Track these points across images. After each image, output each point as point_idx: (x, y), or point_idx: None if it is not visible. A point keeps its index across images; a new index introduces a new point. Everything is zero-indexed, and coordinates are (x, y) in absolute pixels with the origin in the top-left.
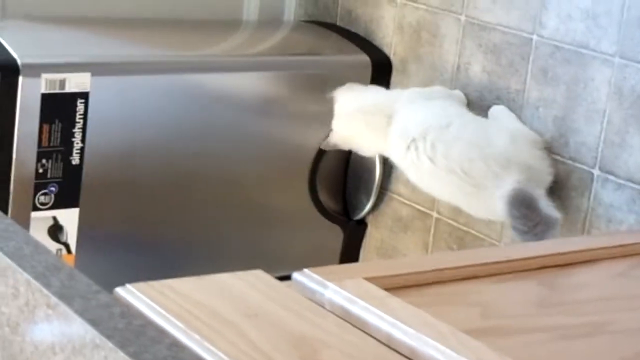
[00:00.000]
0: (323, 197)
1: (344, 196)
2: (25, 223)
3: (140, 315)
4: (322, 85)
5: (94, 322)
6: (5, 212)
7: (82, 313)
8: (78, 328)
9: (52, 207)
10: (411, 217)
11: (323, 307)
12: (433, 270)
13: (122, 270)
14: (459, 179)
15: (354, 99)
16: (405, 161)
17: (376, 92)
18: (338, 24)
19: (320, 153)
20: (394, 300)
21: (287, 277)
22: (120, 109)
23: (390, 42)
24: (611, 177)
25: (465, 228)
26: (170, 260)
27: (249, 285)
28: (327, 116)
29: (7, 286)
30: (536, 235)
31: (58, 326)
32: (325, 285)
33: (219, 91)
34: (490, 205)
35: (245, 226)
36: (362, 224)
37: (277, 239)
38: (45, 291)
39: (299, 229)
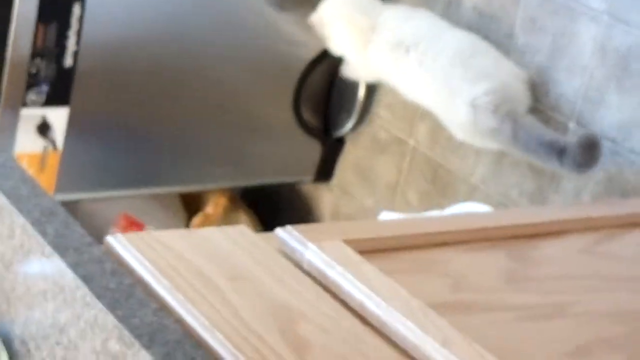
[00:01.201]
0: (306, 111)
1: (326, 113)
2: (15, 119)
3: (130, 271)
4: (316, 3)
5: (85, 279)
6: None
7: (74, 267)
8: (70, 282)
9: (43, 105)
10: (389, 141)
11: (302, 266)
12: (410, 235)
13: (108, 168)
14: (439, 83)
15: None
16: (393, 67)
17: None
18: None
19: (309, 69)
20: (369, 268)
21: (262, 187)
22: (116, 12)
23: None
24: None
25: (439, 160)
26: (154, 160)
27: (234, 244)
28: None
29: (3, 225)
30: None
31: (51, 276)
32: (306, 245)
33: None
34: (460, 111)
35: (228, 130)
36: (341, 142)
37: (258, 146)
38: (40, 239)
39: (280, 139)
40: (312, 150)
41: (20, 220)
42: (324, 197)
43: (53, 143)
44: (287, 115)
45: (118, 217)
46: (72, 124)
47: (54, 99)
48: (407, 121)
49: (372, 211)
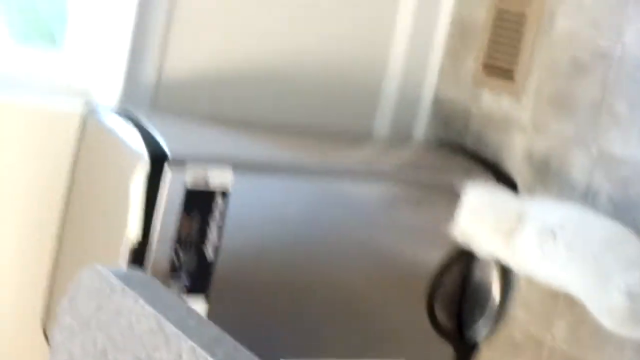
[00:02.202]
0: (439, 313)
1: (460, 315)
2: None
3: None
4: (449, 205)
5: None
6: None
7: None
8: None
9: (182, 294)
10: (525, 340)
11: None
12: None
13: None
14: (588, 268)
15: (484, 195)
16: (538, 254)
17: (506, 193)
18: (467, 147)
19: (441, 269)
20: None
21: None
22: (257, 208)
23: (519, 168)
24: None
25: (578, 356)
26: (280, 355)
27: None
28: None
29: (170, 353)
30: None
31: None
32: None
33: (349, 198)
34: (613, 297)
35: (358, 332)
36: (475, 345)
37: (388, 349)
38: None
39: (412, 342)
40: (445, 354)
41: (187, 344)
42: None
43: None
44: (420, 317)
45: None
46: (209, 314)
47: (194, 290)
48: (544, 319)
49: None
